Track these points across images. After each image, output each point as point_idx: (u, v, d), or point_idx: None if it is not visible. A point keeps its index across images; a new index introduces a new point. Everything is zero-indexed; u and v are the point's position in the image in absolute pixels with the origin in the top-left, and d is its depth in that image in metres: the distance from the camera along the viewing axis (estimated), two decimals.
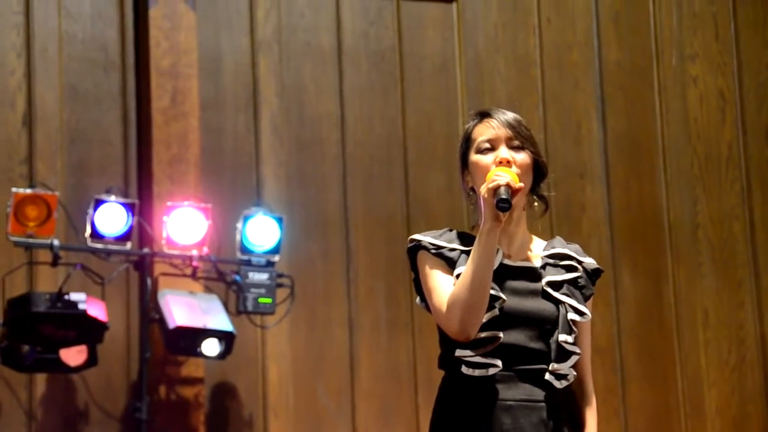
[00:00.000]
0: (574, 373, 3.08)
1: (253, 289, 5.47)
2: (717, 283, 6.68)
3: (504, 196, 2.95)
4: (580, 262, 3.17)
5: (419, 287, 3.15)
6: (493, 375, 3.02)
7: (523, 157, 3.12)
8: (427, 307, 3.12)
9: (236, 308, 5.49)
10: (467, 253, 3.05)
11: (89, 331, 5.18)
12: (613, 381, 6.36)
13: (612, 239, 6.53)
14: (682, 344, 6.53)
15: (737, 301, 6.70)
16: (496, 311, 3.02)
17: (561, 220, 6.36)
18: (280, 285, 5.57)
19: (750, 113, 6.90)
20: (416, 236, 3.15)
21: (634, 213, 6.62)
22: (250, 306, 5.47)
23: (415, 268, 3.15)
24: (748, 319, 6.67)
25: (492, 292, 3.01)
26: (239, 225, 5.52)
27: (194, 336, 5.27)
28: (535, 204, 3.19)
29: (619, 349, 6.42)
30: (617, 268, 6.49)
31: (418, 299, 3.17)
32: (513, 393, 3.02)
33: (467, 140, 3.17)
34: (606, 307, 6.39)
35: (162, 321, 5.30)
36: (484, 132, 3.15)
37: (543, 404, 3.03)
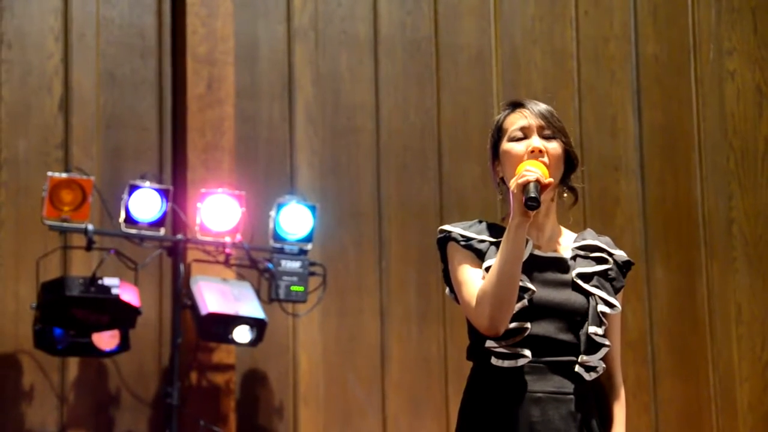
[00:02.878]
0: (604, 366, 3.08)
1: (285, 277, 5.48)
2: (750, 278, 6.65)
3: (533, 194, 2.94)
4: (610, 254, 3.16)
5: (448, 278, 3.14)
6: (522, 366, 3.01)
7: (555, 146, 3.11)
8: (457, 299, 3.12)
9: (268, 296, 5.50)
10: (496, 244, 3.05)
11: (122, 315, 5.20)
12: (645, 375, 6.34)
13: (646, 233, 6.50)
14: (714, 339, 6.51)
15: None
16: (526, 302, 3.02)
17: (595, 213, 6.34)
18: (312, 273, 5.58)
19: None
20: (446, 227, 3.15)
21: (669, 207, 6.59)
22: (282, 294, 5.48)
23: (444, 259, 3.15)
24: None
25: (521, 283, 3.01)
26: (272, 213, 5.53)
27: (226, 323, 5.29)
28: (565, 195, 3.18)
29: (651, 343, 6.40)
30: (650, 262, 6.47)
31: (447, 290, 3.17)
32: (542, 385, 3.02)
33: (499, 130, 3.17)
34: (638, 300, 6.37)
35: (194, 307, 5.32)
36: (516, 121, 3.15)
37: (572, 397, 3.02)
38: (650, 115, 6.63)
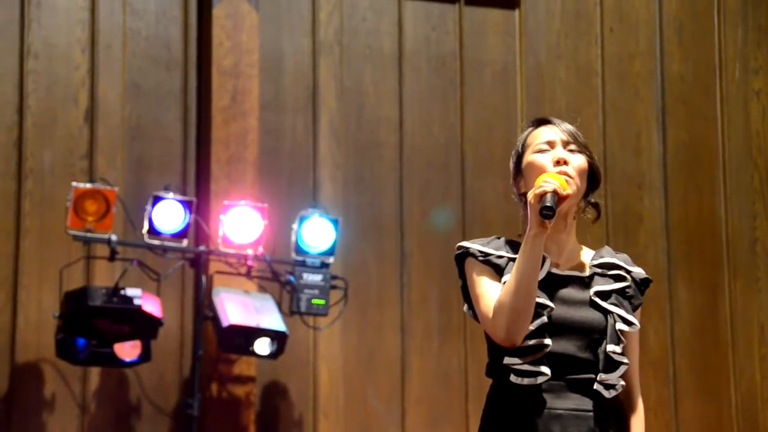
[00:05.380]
0: (623, 383, 3.07)
1: (306, 290, 5.49)
2: None
3: (549, 203, 2.94)
4: (628, 272, 3.16)
5: (467, 294, 3.15)
6: (542, 384, 3.01)
7: (580, 160, 3.12)
8: (475, 315, 3.12)
9: (289, 308, 5.51)
10: (514, 260, 3.05)
11: (144, 326, 5.22)
12: (666, 394, 6.32)
13: (669, 251, 6.48)
14: (737, 359, 6.48)
15: None
16: (545, 319, 3.01)
17: (618, 230, 6.32)
18: (333, 287, 5.58)
19: None
20: (464, 243, 3.15)
21: (692, 225, 6.57)
22: (303, 307, 5.49)
23: (462, 275, 3.15)
24: None
25: (540, 300, 3.01)
26: (295, 226, 5.54)
27: (247, 335, 5.30)
28: (586, 212, 3.18)
29: (673, 362, 6.38)
30: (673, 280, 6.45)
31: (465, 307, 3.17)
32: (562, 402, 3.01)
33: (523, 145, 3.18)
34: (660, 319, 6.35)
35: (216, 319, 5.33)
36: (541, 135, 3.16)
37: (592, 414, 3.01)
38: (675, 133, 6.62)
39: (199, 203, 5.54)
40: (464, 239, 6.03)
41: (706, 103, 6.71)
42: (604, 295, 3.09)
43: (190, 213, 5.36)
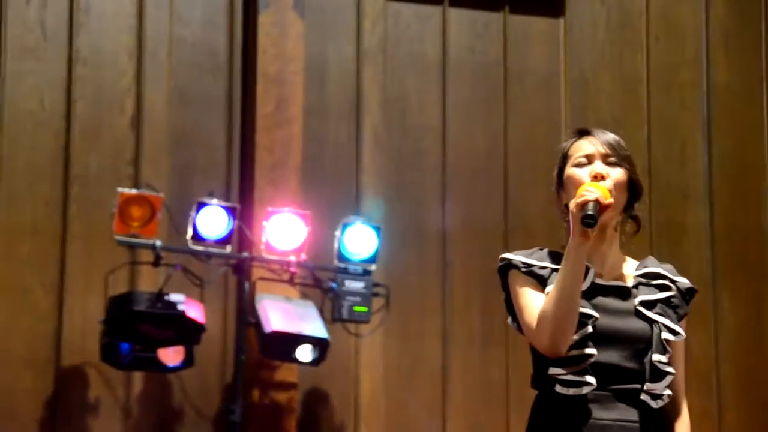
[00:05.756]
0: (669, 394, 3.06)
1: (348, 297, 5.50)
2: None
3: (590, 212, 2.94)
4: (673, 282, 3.15)
5: (510, 306, 3.14)
6: (587, 394, 2.99)
7: (618, 173, 3.11)
8: (519, 328, 3.11)
9: (332, 315, 5.52)
10: (558, 271, 3.04)
11: (187, 332, 5.25)
12: (709, 406, 6.28)
13: (713, 262, 6.44)
14: None
15: None
16: (589, 329, 3.01)
17: (662, 241, 6.28)
18: (375, 294, 5.59)
19: None
20: (507, 255, 3.15)
21: (737, 237, 6.53)
22: (345, 314, 5.50)
23: (506, 287, 3.15)
24: None
25: (584, 310, 3.01)
26: (338, 233, 5.56)
27: (289, 341, 5.32)
28: (627, 224, 3.17)
29: (717, 374, 6.34)
30: (717, 292, 6.41)
31: (509, 319, 3.17)
32: (608, 413, 3.00)
33: (564, 157, 3.18)
34: (705, 331, 6.30)
35: (258, 325, 5.35)
36: (581, 148, 3.16)
37: (638, 425, 3.00)
38: (720, 143, 6.59)
39: (242, 209, 5.56)
40: (506, 248, 6.06)
41: (752, 113, 6.67)
42: (649, 304, 3.08)
43: (234, 219, 5.38)
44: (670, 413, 3.12)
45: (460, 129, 6.28)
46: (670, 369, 3.04)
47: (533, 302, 3.05)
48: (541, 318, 2.99)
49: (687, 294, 3.17)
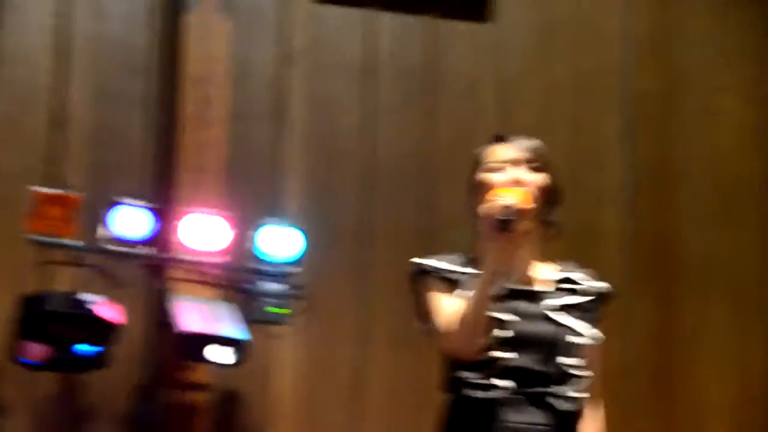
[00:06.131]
0: (578, 396, 3.08)
1: (266, 299, 5.50)
2: (730, 315, 6.65)
3: (507, 217, 2.94)
4: (587, 286, 3.18)
5: (419, 310, 3.16)
6: (498, 397, 3.01)
7: (536, 178, 3.13)
8: (428, 331, 3.13)
9: (249, 317, 5.52)
10: (469, 275, 3.06)
11: (101, 332, 5.23)
12: (623, 411, 6.33)
13: (628, 267, 6.50)
14: (691, 376, 6.50)
15: (748, 336, 6.66)
16: (501, 333, 3.02)
17: (578, 245, 6.27)
18: (294, 296, 5.59)
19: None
20: (418, 260, 3.17)
21: (653, 242, 6.60)
22: (261, 315, 5.50)
23: (416, 291, 3.17)
24: (756, 355, 6.63)
25: (498, 314, 3.01)
26: (256, 234, 5.55)
27: (205, 342, 5.30)
28: (544, 229, 3.19)
29: (629, 379, 6.39)
30: (631, 297, 6.46)
31: (419, 323, 3.19)
32: (518, 416, 3.01)
33: (478, 162, 3.19)
34: (619, 335, 6.34)
35: (173, 326, 5.34)
36: (500, 154, 3.16)
37: (548, 428, 3.02)
38: (640, 149, 6.65)
39: (162, 210, 5.53)
40: (430, 252, 6.08)
41: (672, 120, 6.74)
42: (560, 308, 3.10)
43: (153, 220, 5.36)
44: (584, 415, 3.13)
45: (386, 132, 6.29)
46: (578, 372, 3.06)
47: (445, 306, 3.05)
48: (453, 323, 2.99)
49: (601, 298, 3.19)
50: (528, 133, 6.38)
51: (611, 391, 6.17)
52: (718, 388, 6.53)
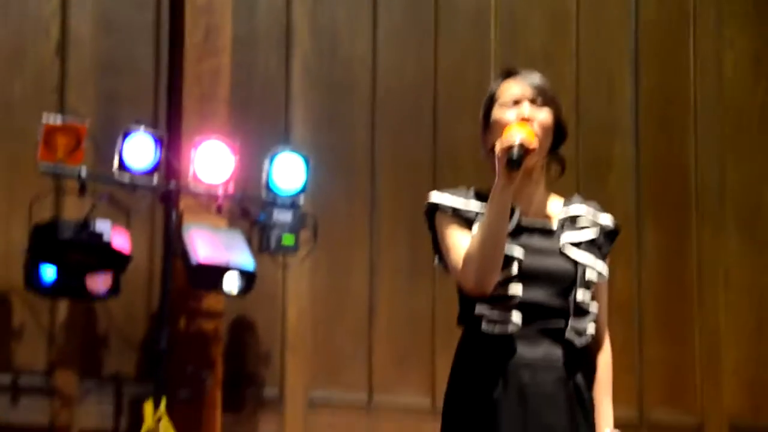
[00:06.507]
0: (592, 331, 3.11)
1: (276, 228, 5.51)
2: (741, 244, 6.69)
3: (515, 155, 2.97)
4: (597, 221, 3.20)
5: (437, 247, 3.18)
6: (513, 332, 3.05)
7: (544, 115, 3.14)
8: (445, 268, 3.15)
9: (259, 246, 5.53)
10: (483, 212, 3.08)
11: (112, 260, 5.24)
12: (631, 337, 6.39)
13: (638, 196, 6.53)
14: (701, 303, 6.55)
15: (761, 265, 6.71)
16: (515, 269, 3.05)
17: (588, 176, 6.34)
18: (303, 225, 5.60)
19: None
20: (433, 196, 3.18)
21: (662, 171, 6.62)
22: (272, 244, 5.51)
23: (432, 227, 3.19)
24: None
25: (510, 250, 3.04)
26: (265, 163, 5.55)
27: (216, 271, 5.32)
28: (552, 165, 3.21)
29: (639, 305, 6.45)
30: (641, 225, 6.50)
31: (436, 260, 3.21)
32: (533, 350, 3.05)
33: (491, 99, 3.20)
34: (628, 263, 6.39)
35: (185, 255, 5.35)
36: (507, 90, 3.17)
37: (562, 362, 3.06)
38: (647, 79, 6.66)
39: (170, 139, 5.53)
40: (434, 180, 6.11)
41: (679, 49, 6.74)
42: (574, 244, 3.13)
43: (161, 149, 5.35)
44: (593, 350, 3.17)
45: (391, 60, 6.28)
46: (593, 307, 3.10)
47: (459, 243, 3.08)
48: (467, 258, 3.02)
49: (611, 232, 3.21)
50: (534, 62, 6.42)
51: (624, 318, 6.30)
52: (731, 315, 6.59)
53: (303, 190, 5.58)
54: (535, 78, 3.18)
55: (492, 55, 6.38)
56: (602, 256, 3.16)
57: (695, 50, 6.76)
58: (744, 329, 6.62)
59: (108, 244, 5.18)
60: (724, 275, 6.63)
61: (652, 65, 6.67)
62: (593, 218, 3.19)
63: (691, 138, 6.68)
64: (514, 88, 3.16)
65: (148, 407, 5.15)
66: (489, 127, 3.18)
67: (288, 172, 5.56)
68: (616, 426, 3.16)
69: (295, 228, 5.54)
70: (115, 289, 5.32)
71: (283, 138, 5.93)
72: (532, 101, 3.14)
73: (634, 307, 6.42)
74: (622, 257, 6.33)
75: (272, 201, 5.54)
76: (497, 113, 3.15)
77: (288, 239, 5.53)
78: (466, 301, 3.10)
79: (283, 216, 5.53)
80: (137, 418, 5.22)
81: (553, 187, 3.23)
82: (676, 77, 6.71)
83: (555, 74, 6.34)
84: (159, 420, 5.10)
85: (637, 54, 6.65)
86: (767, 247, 6.73)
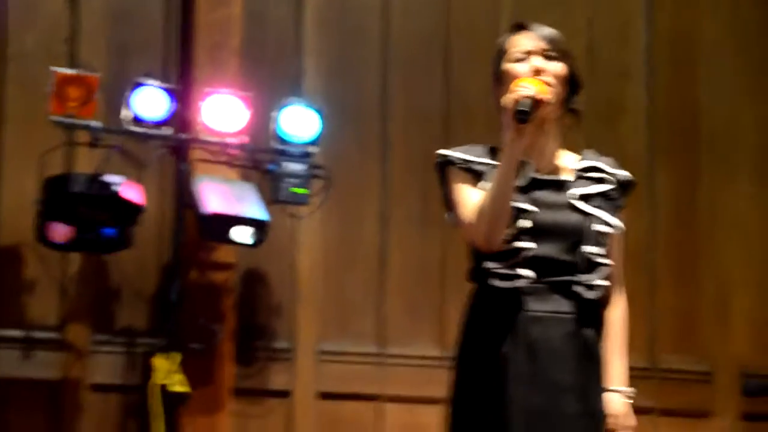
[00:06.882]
0: (604, 285, 3.10)
1: (288, 179, 5.50)
2: (753, 187, 6.67)
3: (524, 108, 2.94)
4: (612, 175, 3.19)
5: (448, 201, 3.18)
6: (522, 287, 3.05)
7: (557, 67, 3.13)
8: (456, 222, 3.15)
9: (270, 197, 5.53)
10: (494, 166, 3.07)
11: (124, 213, 5.24)
12: (643, 283, 6.39)
13: (650, 140, 6.50)
14: (713, 248, 6.54)
15: None
16: (525, 223, 3.05)
17: (600, 120, 6.30)
18: (315, 176, 5.59)
19: None
20: (444, 151, 3.18)
21: (674, 114, 6.59)
22: (284, 195, 5.50)
23: (443, 182, 3.18)
24: None
25: (521, 204, 3.04)
26: (276, 114, 5.53)
27: (227, 222, 5.31)
28: (565, 117, 3.19)
29: (651, 251, 6.44)
30: (654, 170, 6.47)
31: (447, 214, 3.21)
32: (542, 305, 3.06)
33: (501, 52, 3.18)
34: (639, 208, 6.36)
35: (196, 206, 5.35)
36: (519, 43, 3.16)
37: (572, 316, 3.06)
38: (660, 21, 6.60)
39: (181, 91, 5.51)
40: (447, 129, 6.09)
41: None
42: (585, 197, 3.12)
43: (173, 100, 5.34)
44: (606, 304, 3.17)
45: (402, 8, 6.23)
46: (604, 260, 3.09)
47: (470, 198, 3.08)
48: (477, 214, 3.02)
49: (625, 186, 3.21)
50: (547, 6, 6.35)
51: (637, 264, 6.31)
52: (742, 261, 6.58)
53: (315, 142, 5.56)
54: (547, 30, 3.17)
55: (504, 2, 6.32)
56: (616, 209, 3.16)
57: None
58: (755, 275, 6.62)
59: (119, 197, 5.18)
60: (735, 220, 6.61)
61: (666, 7, 6.62)
62: (607, 172, 3.18)
63: (704, 81, 6.64)
64: (525, 41, 3.15)
65: (158, 361, 5.18)
66: (500, 80, 3.16)
67: (300, 122, 5.54)
68: (629, 376, 3.16)
69: (306, 179, 5.53)
70: (126, 242, 5.33)
71: (295, 87, 5.91)
72: (544, 53, 3.12)
73: (647, 254, 6.42)
74: (634, 203, 6.23)
75: (283, 152, 5.52)
76: (507, 65, 3.14)
77: (299, 190, 5.52)
78: (477, 256, 3.10)
79: (294, 166, 5.52)
80: (149, 371, 5.25)
81: (566, 142, 3.21)
82: (691, 20, 6.66)
83: (568, 18, 6.31)
84: (171, 374, 5.14)
85: None
86: None
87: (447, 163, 3.15)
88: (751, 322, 6.57)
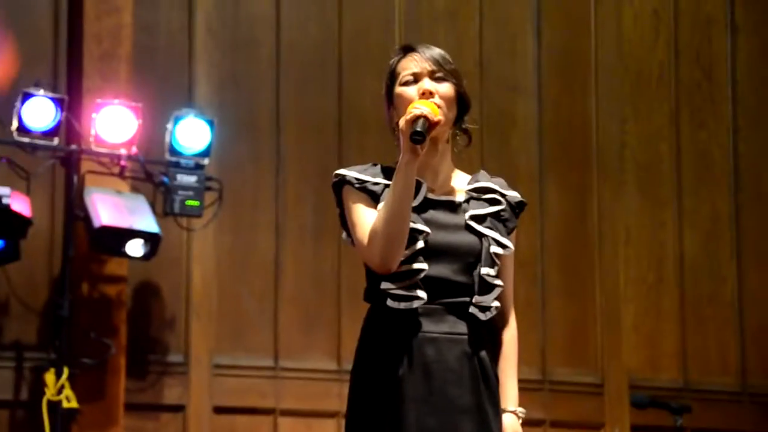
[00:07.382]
0: (497, 306, 3.12)
1: (180, 191, 5.46)
2: (640, 201, 6.78)
3: (419, 129, 2.96)
4: (503, 195, 3.21)
5: (345, 222, 3.17)
6: (418, 308, 3.05)
7: (446, 88, 3.14)
8: (353, 242, 3.13)
9: (163, 209, 5.47)
10: (389, 187, 3.07)
11: (12, 225, 5.14)
12: (534, 294, 6.45)
13: (541, 154, 6.56)
14: (602, 260, 6.63)
15: (660, 221, 6.80)
16: (420, 244, 3.05)
17: (492, 133, 6.34)
18: (208, 188, 5.56)
19: (683, 34, 6.96)
20: (340, 171, 3.16)
21: (564, 129, 6.66)
22: (177, 208, 5.47)
23: (340, 203, 3.17)
24: (668, 239, 6.79)
25: (416, 225, 3.04)
26: (169, 126, 5.48)
27: (119, 235, 5.26)
28: (458, 138, 3.21)
29: (542, 263, 6.50)
30: (544, 183, 6.53)
31: (344, 235, 3.19)
32: (437, 326, 3.06)
33: (392, 75, 3.19)
34: (531, 221, 6.43)
35: (87, 219, 5.27)
36: (408, 66, 3.17)
37: (466, 337, 3.07)
38: (549, 36, 6.68)
39: (71, 101, 5.43)
40: (340, 140, 6.09)
41: (580, 6, 6.77)
42: (479, 218, 3.13)
43: (62, 110, 5.26)
44: (498, 325, 3.19)
45: (295, 19, 6.21)
46: (498, 282, 3.10)
47: (366, 218, 3.07)
48: (372, 235, 3.02)
49: (517, 207, 3.23)
50: (438, 20, 6.38)
51: (527, 276, 6.34)
52: (630, 272, 6.68)
53: (207, 153, 5.52)
54: (434, 52, 3.18)
55: (396, 12, 6.34)
56: (508, 231, 3.18)
57: (596, 7, 6.79)
58: (643, 288, 6.71)
59: (6, 209, 5.07)
60: (624, 232, 6.72)
61: (555, 23, 6.70)
62: (499, 193, 3.20)
63: (592, 96, 6.73)
64: (413, 63, 3.16)
65: (49, 376, 5.08)
66: (392, 104, 3.18)
67: (192, 134, 5.49)
68: (520, 389, 3.18)
69: (199, 190, 5.48)
70: (15, 255, 5.23)
71: (187, 98, 5.85)
72: (432, 75, 3.14)
73: (537, 266, 6.48)
74: (525, 215, 6.31)
75: (176, 163, 5.47)
76: (399, 90, 3.15)
77: (192, 202, 5.47)
78: (372, 277, 3.10)
79: (186, 178, 5.47)
80: (39, 387, 5.14)
81: (459, 162, 3.22)
82: (578, 35, 6.75)
83: (459, 32, 6.36)
84: (61, 389, 5.04)
85: (540, 11, 6.66)
86: (666, 205, 6.82)
87: (343, 183, 3.15)
88: (640, 334, 6.66)
